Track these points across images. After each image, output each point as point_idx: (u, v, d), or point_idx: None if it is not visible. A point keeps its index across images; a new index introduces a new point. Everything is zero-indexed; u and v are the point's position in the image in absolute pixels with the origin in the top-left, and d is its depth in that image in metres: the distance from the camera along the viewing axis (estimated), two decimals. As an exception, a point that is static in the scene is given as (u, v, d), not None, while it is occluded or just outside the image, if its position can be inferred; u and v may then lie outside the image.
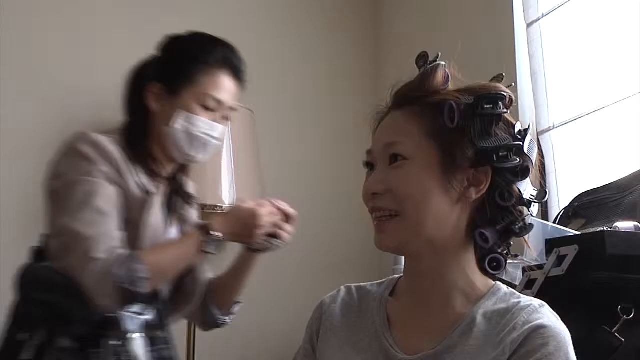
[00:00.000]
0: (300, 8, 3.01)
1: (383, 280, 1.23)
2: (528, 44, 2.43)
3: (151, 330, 1.60)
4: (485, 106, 1.09)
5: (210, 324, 1.90)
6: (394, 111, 1.15)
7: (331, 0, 3.09)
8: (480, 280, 1.13)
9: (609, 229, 1.56)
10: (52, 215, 1.61)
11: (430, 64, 1.16)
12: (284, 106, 2.90)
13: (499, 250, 1.14)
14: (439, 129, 1.09)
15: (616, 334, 1.40)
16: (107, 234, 1.54)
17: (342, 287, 1.23)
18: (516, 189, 1.11)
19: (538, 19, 2.41)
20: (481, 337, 1.06)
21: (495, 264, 1.13)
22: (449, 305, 1.11)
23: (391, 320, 1.15)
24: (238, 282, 1.88)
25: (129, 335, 1.51)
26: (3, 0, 2.54)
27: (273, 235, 1.75)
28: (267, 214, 1.71)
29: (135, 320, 1.54)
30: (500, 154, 1.09)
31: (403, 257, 2.24)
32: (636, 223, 1.60)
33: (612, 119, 2.10)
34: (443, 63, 1.15)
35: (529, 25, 2.44)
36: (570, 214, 1.87)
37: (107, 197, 1.58)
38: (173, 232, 1.76)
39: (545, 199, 1.16)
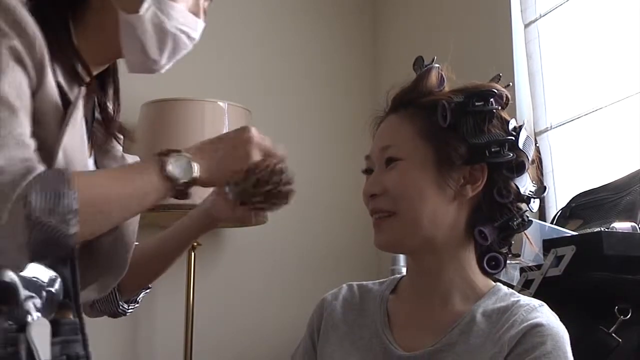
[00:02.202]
0: (298, 8, 3.01)
1: (385, 279, 1.24)
2: (526, 44, 2.43)
3: (56, 311, 1.00)
4: (476, 103, 1.11)
5: (106, 310, 1.30)
6: (390, 115, 1.18)
7: (330, 1, 3.09)
8: (481, 280, 1.14)
9: (607, 230, 1.56)
10: None
11: (425, 67, 1.17)
12: (282, 106, 2.90)
13: (500, 250, 1.15)
14: (432, 129, 1.11)
15: (613, 335, 1.40)
16: (15, 137, 0.95)
17: (344, 285, 1.24)
18: (513, 185, 1.12)
19: (536, 20, 2.41)
20: (481, 336, 1.07)
21: (493, 262, 1.14)
22: (449, 304, 1.12)
23: (391, 318, 1.16)
24: (171, 257, 1.30)
25: (29, 318, 0.95)
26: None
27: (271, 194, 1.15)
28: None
29: (38, 292, 0.97)
30: (493, 149, 1.10)
31: (402, 257, 2.26)
32: (633, 223, 1.60)
33: (610, 120, 2.11)
34: (437, 65, 1.16)
35: (526, 25, 2.44)
36: (567, 215, 1.87)
37: (17, 86, 0.98)
38: (90, 165, 1.16)
39: (544, 194, 1.17)
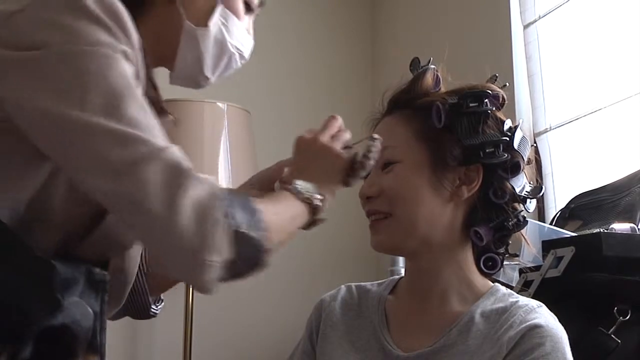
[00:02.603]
0: (297, 9, 3.01)
1: (384, 280, 1.24)
2: (525, 45, 2.43)
3: (84, 354, 0.89)
4: (470, 104, 1.11)
5: (135, 314, 1.21)
6: (386, 117, 1.18)
7: (329, 1, 3.09)
8: (479, 281, 1.14)
9: (606, 231, 1.56)
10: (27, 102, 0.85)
11: (421, 68, 1.17)
12: (281, 107, 2.90)
13: (497, 250, 1.15)
14: (427, 130, 1.11)
15: (612, 335, 1.40)
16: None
17: (343, 286, 1.24)
18: (509, 186, 1.12)
19: (535, 21, 2.41)
20: (480, 337, 1.07)
21: (490, 263, 1.14)
22: (447, 304, 1.12)
23: (389, 319, 1.16)
24: None
25: None
26: None
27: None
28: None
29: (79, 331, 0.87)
30: (487, 150, 1.10)
31: (401, 258, 2.26)
32: (633, 225, 1.60)
33: (609, 121, 2.11)
34: (433, 67, 1.16)
35: (525, 27, 2.44)
36: (567, 216, 1.87)
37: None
38: None
39: (541, 194, 1.16)
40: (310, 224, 1.04)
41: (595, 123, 2.16)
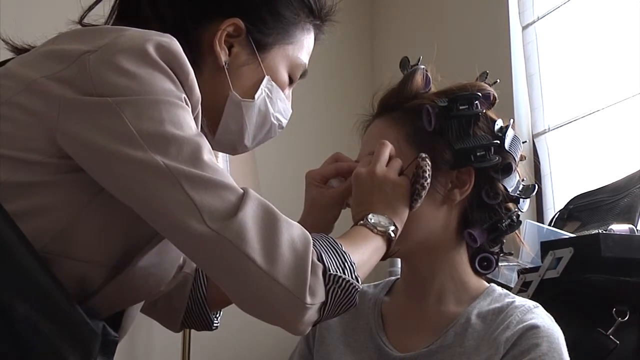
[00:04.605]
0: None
1: (380, 281, 1.24)
2: (523, 46, 2.43)
3: None
4: (460, 107, 1.09)
5: (196, 327, 1.24)
6: (377, 119, 1.17)
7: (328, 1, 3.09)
8: (474, 282, 1.14)
9: (604, 232, 1.56)
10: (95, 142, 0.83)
11: (411, 68, 1.16)
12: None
13: (491, 250, 1.15)
14: (418, 134, 1.10)
15: (611, 336, 1.40)
16: None
17: None
18: (501, 187, 1.11)
19: (534, 22, 2.41)
20: (477, 337, 1.07)
21: (485, 263, 1.14)
22: (442, 305, 1.12)
23: (385, 320, 1.16)
24: None
25: None
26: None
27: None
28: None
29: None
30: (478, 153, 1.09)
31: (399, 260, 2.26)
32: (631, 226, 1.60)
33: (608, 122, 2.11)
34: (422, 67, 1.15)
35: (524, 27, 2.45)
36: (565, 217, 1.87)
37: None
38: None
39: (534, 194, 1.16)
40: (385, 255, 1.04)
41: (594, 124, 2.16)
